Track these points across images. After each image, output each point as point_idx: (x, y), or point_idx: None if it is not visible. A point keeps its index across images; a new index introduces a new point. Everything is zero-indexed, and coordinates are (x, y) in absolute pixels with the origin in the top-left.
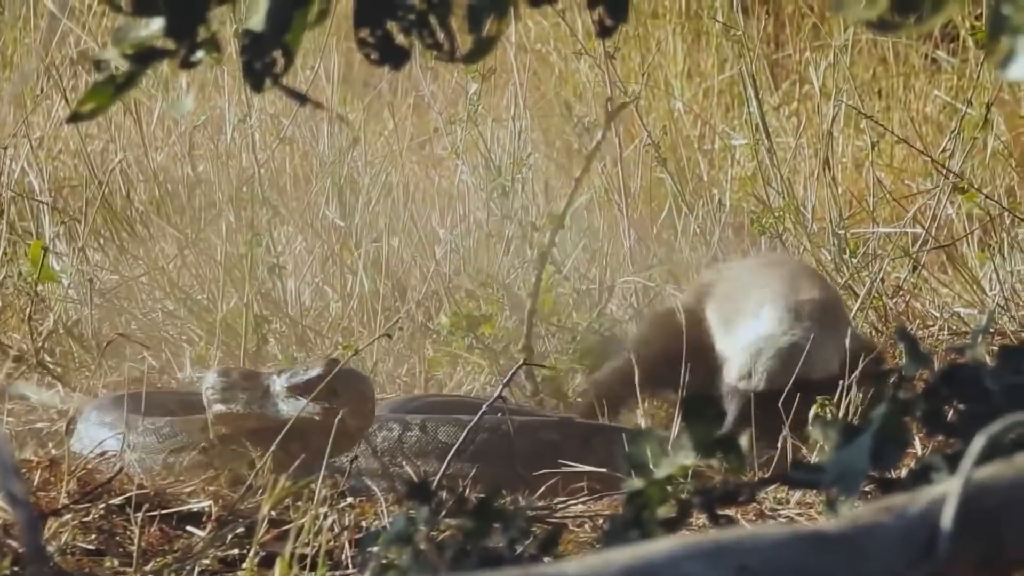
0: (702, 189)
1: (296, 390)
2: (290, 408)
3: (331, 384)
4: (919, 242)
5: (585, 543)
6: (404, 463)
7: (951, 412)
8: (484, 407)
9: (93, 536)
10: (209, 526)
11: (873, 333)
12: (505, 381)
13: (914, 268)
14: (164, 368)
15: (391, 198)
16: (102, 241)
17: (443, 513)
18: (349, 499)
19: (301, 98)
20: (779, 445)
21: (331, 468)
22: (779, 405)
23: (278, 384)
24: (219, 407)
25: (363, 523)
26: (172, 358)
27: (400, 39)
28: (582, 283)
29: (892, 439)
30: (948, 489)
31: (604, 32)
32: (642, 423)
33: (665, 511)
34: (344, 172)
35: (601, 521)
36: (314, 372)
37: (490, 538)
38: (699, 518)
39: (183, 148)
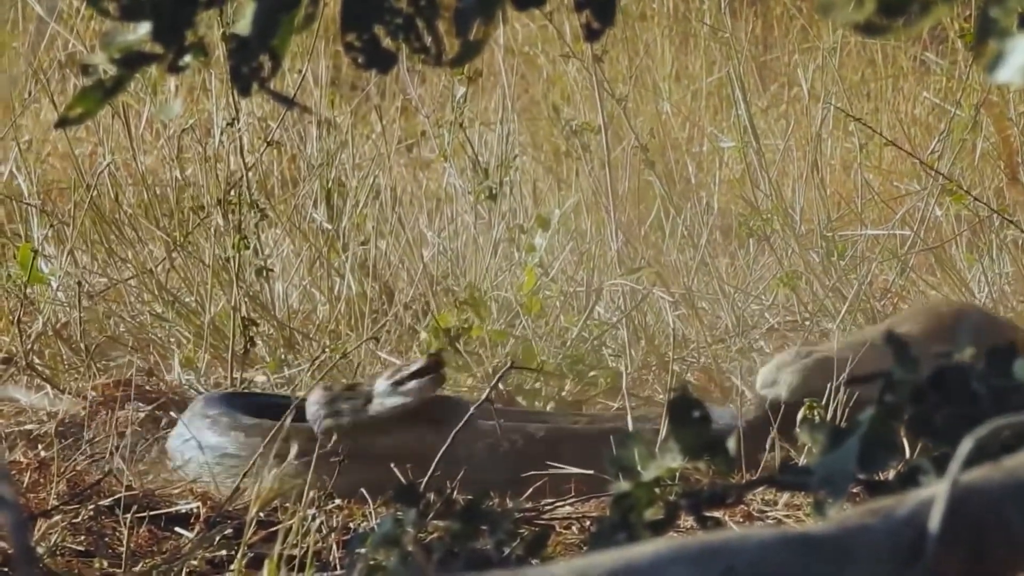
0: (690, 191)
1: (400, 384)
2: (395, 400)
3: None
4: (907, 244)
5: (573, 545)
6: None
7: (939, 415)
8: (471, 409)
9: (82, 537)
10: (197, 527)
11: None
12: (492, 384)
13: (902, 270)
14: (152, 370)
15: (379, 201)
16: (91, 244)
17: (431, 515)
18: (337, 501)
19: (288, 102)
20: (767, 447)
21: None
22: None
23: (381, 384)
24: (327, 422)
25: (351, 525)
26: (160, 360)
27: (387, 43)
28: (569, 285)
29: (880, 442)
30: (935, 492)
31: (592, 35)
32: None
33: (652, 513)
34: (332, 175)
35: (588, 523)
36: (416, 365)
37: (477, 540)
38: (687, 520)
39: (171, 151)
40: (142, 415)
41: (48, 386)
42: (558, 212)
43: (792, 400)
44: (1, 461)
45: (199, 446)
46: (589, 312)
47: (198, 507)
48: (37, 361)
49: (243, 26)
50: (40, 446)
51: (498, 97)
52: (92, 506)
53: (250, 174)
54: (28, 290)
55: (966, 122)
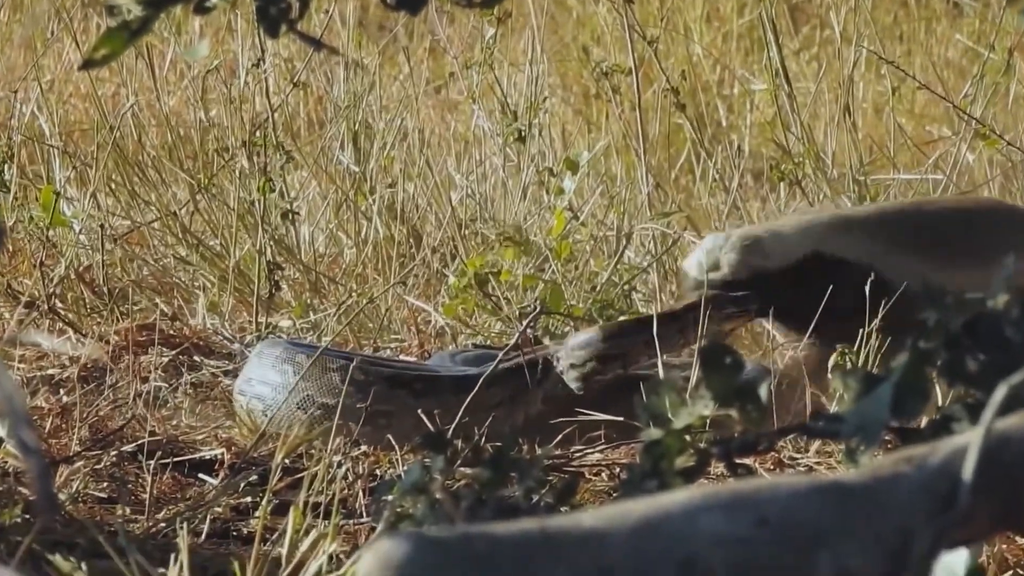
0: (721, 135)
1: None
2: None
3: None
4: (940, 189)
5: (602, 492)
6: None
7: (972, 362)
8: (500, 355)
9: (104, 484)
10: (222, 474)
11: None
12: (522, 329)
13: None
14: (176, 315)
15: (406, 143)
16: (113, 186)
17: (458, 462)
18: (363, 447)
19: (316, 43)
20: (800, 395)
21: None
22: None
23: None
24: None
25: (377, 472)
26: (184, 304)
27: None
28: (599, 229)
29: (913, 389)
30: (969, 440)
31: None
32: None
33: (683, 461)
34: (359, 117)
35: (618, 470)
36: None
37: (506, 488)
38: (717, 467)
39: (195, 92)
40: (165, 360)
41: (70, 330)
42: (587, 155)
43: (735, 278)
44: (23, 407)
45: None
46: (619, 256)
47: (222, 453)
48: (59, 305)
49: None
50: (62, 391)
51: (527, 38)
52: (115, 452)
53: (276, 115)
54: (50, 233)
55: (999, 65)
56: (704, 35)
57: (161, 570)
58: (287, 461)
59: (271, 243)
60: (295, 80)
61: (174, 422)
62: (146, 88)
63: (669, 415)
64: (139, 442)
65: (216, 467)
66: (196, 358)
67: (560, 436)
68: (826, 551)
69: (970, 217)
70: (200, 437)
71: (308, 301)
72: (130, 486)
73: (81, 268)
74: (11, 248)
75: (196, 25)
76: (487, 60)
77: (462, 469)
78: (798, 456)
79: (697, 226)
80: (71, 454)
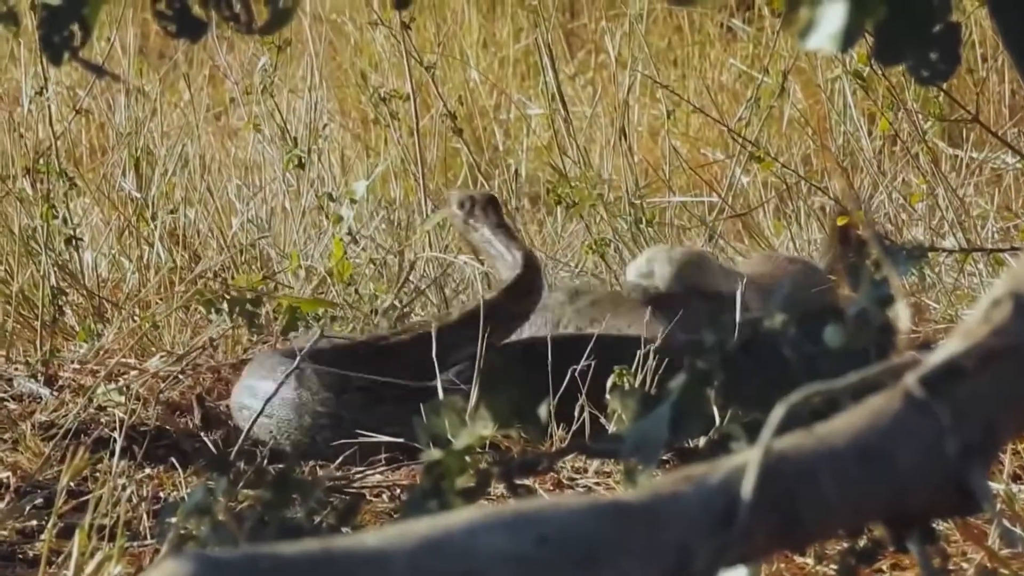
0: (498, 159)
1: None
2: None
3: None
4: (715, 211)
5: (383, 513)
6: None
7: (750, 382)
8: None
9: None
10: (8, 498)
11: None
12: (302, 353)
13: (710, 237)
14: None
15: (187, 169)
16: None
17: (241, 484)
18: (147, 470)
19: (98, 70)
20: (576, 415)
21: None
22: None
23: None
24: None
25: (161, 494)
26: None
27: (197, 10)
28: (379, 253)
29: (691, 409)
30: (748, 459)
31: (400, 3)
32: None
33: (464, 481)
34: (140, 143)
35: (399, 491)
36: None
37: (288, 509)
38: (498, 488)
39: None
40: None
41: None
42: (364, 184)
43: (669, 290)
44: None
45: None
46: (404, 281)
47: (8, 476)
48: None
49: None
50: None
51: (306, 65)
52: None
53: (59, 143)
54: None
55: (773, 89)
56: (481, 60)
57: None
58: (72, 484)
59: (54, 269)
60: (77, 107)
61: None
62: None
63: (449, 436)
64: None
65: (2, 491)
66: None
67: (341, 458)
68: (606, 568)
69: None
70: None
71: (91, 326)
72: None
73: None
74: None
75: None
76: (267, 87)
77: (245, 491)
78: (577, 476)
79: (476, 252)
80: None
